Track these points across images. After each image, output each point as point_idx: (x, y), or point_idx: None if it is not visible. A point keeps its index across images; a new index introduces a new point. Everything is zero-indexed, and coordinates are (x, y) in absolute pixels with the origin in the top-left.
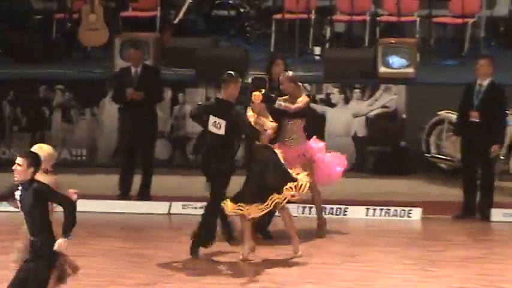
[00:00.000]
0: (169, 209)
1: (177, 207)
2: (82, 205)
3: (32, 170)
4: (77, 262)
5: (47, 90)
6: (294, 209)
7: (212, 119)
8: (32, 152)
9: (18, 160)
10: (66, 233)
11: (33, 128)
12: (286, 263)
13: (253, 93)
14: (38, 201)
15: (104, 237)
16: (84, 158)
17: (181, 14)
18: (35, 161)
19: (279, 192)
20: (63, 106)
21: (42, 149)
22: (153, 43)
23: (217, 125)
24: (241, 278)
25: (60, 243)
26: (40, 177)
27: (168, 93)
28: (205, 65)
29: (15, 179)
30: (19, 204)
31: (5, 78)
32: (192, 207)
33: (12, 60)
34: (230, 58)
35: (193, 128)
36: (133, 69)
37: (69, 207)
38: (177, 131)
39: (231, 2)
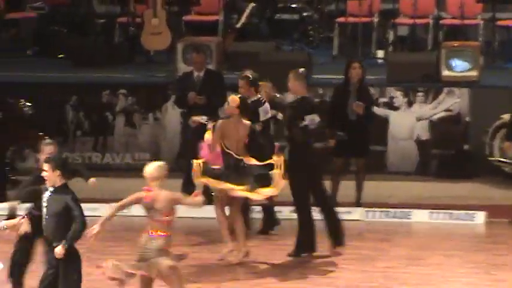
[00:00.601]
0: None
1: None
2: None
3: (58, 174)
4: None
5: (109, 95)
6: (360, 213)
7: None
8: (58, 156)
9: (45, 166)
10: (68, 241)
11: (96, 132)
12: (350, 267)
13: (231, 95)
14: (66, 209)
15: None
16: (147, 162)
17: (243, 18)
18: (60, 165)
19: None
20: (126, 111)
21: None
22: (215, 47)
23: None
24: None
25: (59, 250)
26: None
27: None
28: (268, 69)
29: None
30: (44, 208)
31: (68, 83)
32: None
33: (75, 64)
34: (293, 62)
35: None
36: (195, 74)
37: (82, 226)
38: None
39: (294, 6)
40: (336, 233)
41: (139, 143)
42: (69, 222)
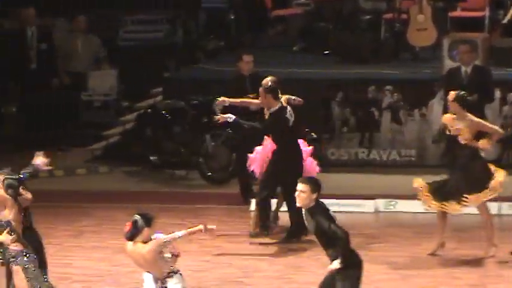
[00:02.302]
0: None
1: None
2: (410, 206)
3: (315, 196)
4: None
5: (375, 91)
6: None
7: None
8: (313, 178)
9: (300, 187)
10: None
11: (362, 128)
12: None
13: None
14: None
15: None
16: (413, 158)
17: (509, 15)
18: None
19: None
20: (392, 107)
21: None
22: (481, 43)
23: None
24: None
25: None
26: None
27: (497, 93)
28: None
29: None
30: None
31: (334, 79)
32: None
33: (341, 60)
34: None
35: None
36: (463, 69)
37: None
38: (506, 130)
39: None
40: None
41: (405, 139)
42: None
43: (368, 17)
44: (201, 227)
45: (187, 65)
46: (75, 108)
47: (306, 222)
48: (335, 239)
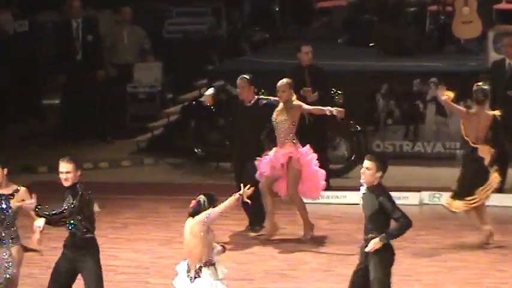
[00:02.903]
0: None
1: None
2: None
3: (379, 174)
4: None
5: (420, 83)
6: None
7: None
8: (380, 156)
9: (366, 163)
10: None
11: (407, 121)
12: None
13: None
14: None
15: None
16: (457, 151)
17: None
18: (382, 166)
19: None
20: (436, 99)
21: None
22: None
23: None
24: None
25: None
26: None
27: None
28: None
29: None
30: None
31: (379, 71)
32: None
33: (385, 53)
34: None
35: None
36: (507, 61)
37: None
38: None
39: None
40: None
41: (449, 131)
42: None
43: (413, 9)
44: (237, 195)
45: (231, 57)
46: (121, 100)
47: (361, 200)
48: (397, 220)
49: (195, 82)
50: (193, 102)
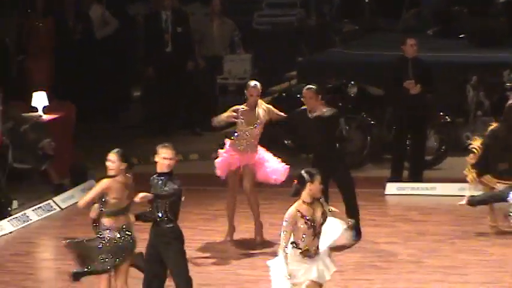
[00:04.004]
0: None
1: None
2: None
3: None
4: None
5: (510, 74)
6: None
7: None
8: None
9: None
10: None
11: (497, 112)
12: None
13: None
14: None
15: None
16: None
17: None
18: None
19: None
20: None
21: None
22: None
23: None
24: None
25: None
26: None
27: None
28: None
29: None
30: None
31: (469, 63)
32: None
33: (475, 44)
34: None
35: None
36: None
37: None
38: None
39: None
40: None
41: None
42: None
43: (503, 0)
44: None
45: (321, 48)
46: (210, 92)
47: None
48: None
49: (284, 74)
50: (283, 94)
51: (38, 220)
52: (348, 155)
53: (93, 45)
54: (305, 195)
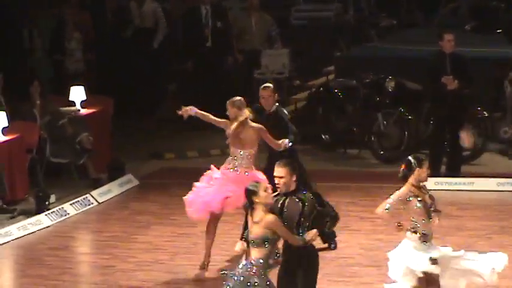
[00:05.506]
0: None
1: None
2: None
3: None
4: None
5: None
6: None
7: None
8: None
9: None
10: None
11: None
12: None
13: None
14: None
15: None
16: None
17: None
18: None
19: None
20: None
21: None
22: None
23: None
24: None
25: None
26: None
27: None
28: None
29: None
30: None
31: (506, 58)
32: None
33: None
34: None
35: None
36: None
37: None
38: None
39: None
40: None
41: None
42: None
43: None
44: None
45: (358, 43)
46: (248, 86)
47: None
48: None
49: (322, 68)
50: (321, 89)
51: (76, 214)
52: (386, 150)
53: (129, 40)
54: (413, 179)
